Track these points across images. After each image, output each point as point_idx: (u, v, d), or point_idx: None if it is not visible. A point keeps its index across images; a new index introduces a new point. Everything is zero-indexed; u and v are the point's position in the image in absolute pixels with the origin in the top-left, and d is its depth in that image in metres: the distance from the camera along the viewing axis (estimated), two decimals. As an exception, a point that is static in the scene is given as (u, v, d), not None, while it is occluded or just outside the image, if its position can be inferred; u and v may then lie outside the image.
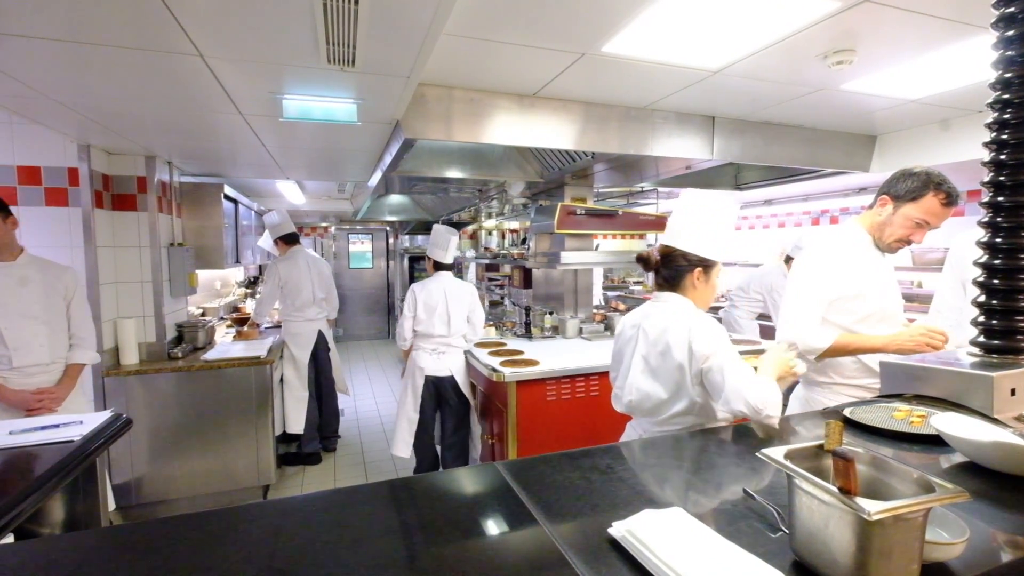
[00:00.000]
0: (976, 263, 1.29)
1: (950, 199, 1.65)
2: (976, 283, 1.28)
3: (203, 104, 2.18)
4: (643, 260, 1.66)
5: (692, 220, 1.59)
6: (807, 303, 1.78)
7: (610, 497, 1.05)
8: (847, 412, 1.49)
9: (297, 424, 3.92)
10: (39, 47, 1.57)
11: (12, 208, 2.71)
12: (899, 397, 1.46)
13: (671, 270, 1.60)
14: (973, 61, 2.14)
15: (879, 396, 1.56)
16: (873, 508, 0.69)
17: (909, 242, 1.75)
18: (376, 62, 1.70)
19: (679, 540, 0.82)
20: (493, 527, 0.96)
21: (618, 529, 0.87)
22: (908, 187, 1.68)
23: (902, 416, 1.44)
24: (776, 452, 0.84)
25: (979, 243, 1.29)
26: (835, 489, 0.73)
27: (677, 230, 1.61)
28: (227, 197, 3.98)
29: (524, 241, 5.91)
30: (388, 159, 3.01)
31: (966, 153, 2.98)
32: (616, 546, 0.86)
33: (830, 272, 1.78)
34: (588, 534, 0.91)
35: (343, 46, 1.53)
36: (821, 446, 0.87)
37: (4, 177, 2.73)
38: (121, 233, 3.13)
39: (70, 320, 2.44)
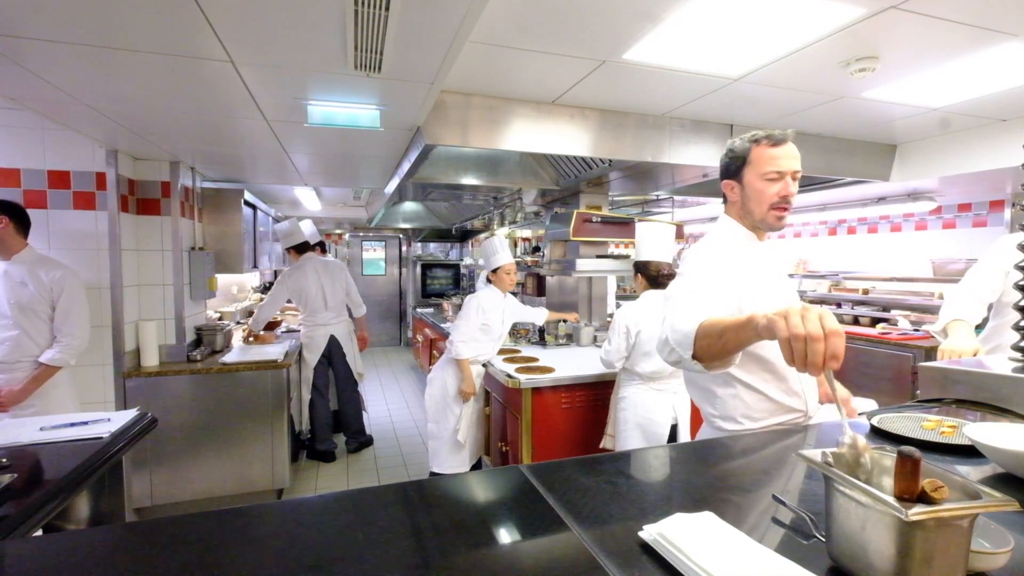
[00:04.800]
0: (1018, 266, 1.27)
1: (772, 138, 1.44)
2: (1018, 286, 1.26)
3: (229, 110, 2.23)
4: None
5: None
6: (689, 297, 1.36)
7: (638, 501, 1.04)
8: (875, 421, 1.47)
9: (303, 423, 4.04)
10: (74, 52, 1.62)
11: (41, 211, 2.81)
12: (939, 402, 1.43)
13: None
14: (998, 69, 2.12)
15: (918, 401, 1.53)
16: (911, 509, 0.67)
17: (785, 204, 1.45)
18: (402, 68, 1.73)
19: (713, 544, 0.81)
20: (523, 529, 0.96)
21: (649, 532, 0.86)
22: (737, 157, 1.47)
23: (932, 427, 1.41)
24: (813, 454, 0.83)
25: (1021, 246, 1.26)
26: (873, 490, 0.71)
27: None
28: (247, 203, 4.05)
29: (537, 249, 5.92)
30: (406, 165, 3.05)
31: (990, 163, 2.94)
32: (647, 550, 0.85)
33: (712, 269, 1.45)
34: (618, 537, 0.90)
35: (371, 52, 1.56)
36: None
37: (35, 181, 2.80)
38: (145, 237, 3.19)
39: (54, 320, 2.44)
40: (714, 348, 1.20)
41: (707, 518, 0.89)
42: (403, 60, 1.66)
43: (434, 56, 1.64)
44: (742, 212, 1.52)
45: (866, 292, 4.89)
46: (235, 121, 2.40)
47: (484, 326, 3.19)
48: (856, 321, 4.72)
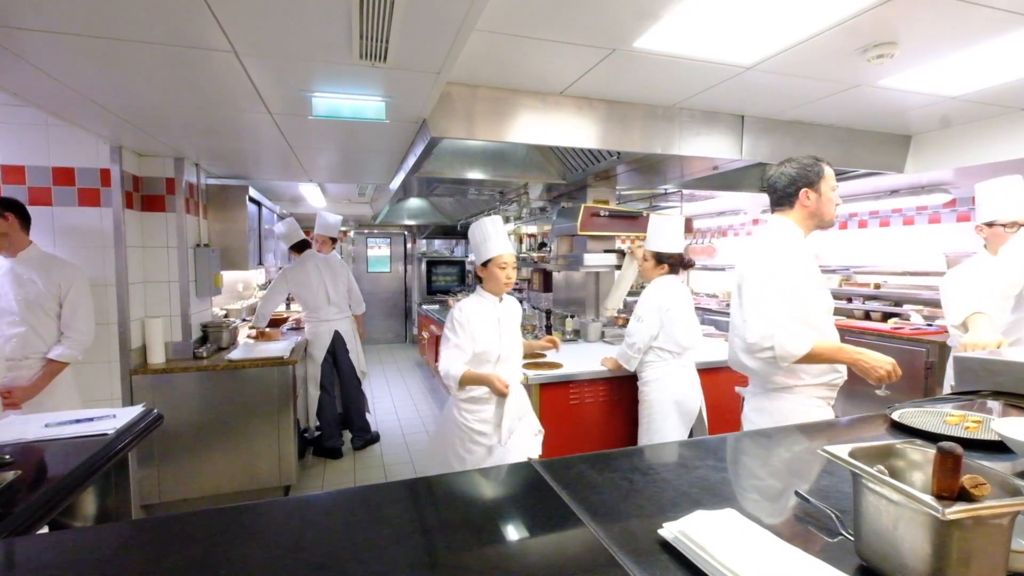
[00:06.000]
0: None
1: (829, 164, 1.89)
2: None
3: (233, 103, 2.21)
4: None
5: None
6: (776, 304, 1.72)
7: (655, 498, 1.01)
8: (896, 416, 1.43)
9: (310, 419, 4.05)
10: (75, 44, 1.60)
11: (47, 208, 2.80)
12: (976, 394, 1.39)
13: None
14: (1020, 55, 2.06)
15: (953, 393, 1.49)
16: (949, 508, 0.64)
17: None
18: (408, 57, 1.69)
19: (736, 542, 0.78)
20: (537, 527, 0.93)
21: (670, 530, 0.83)
22: (814, 172, 1.84)
23: (956, 421, 1.37)
24: (840, 450, 0.80)
25: None
26: (907, 488, 0.68)
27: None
28: (251, 199, 4.03)
29: (542, 245, 5.88)
30: (412, 160, 3.01)
31: (1009, 153, 2.87)
32: (667, 547, 0.82)
33: (790, 268, 1.78)
34: (637, 535, 0.87)
35: (376, 40, 1.53)
36: (888, 446, 0.82)
37: (40, 178, 2.79)
38: (150, 234, 3.17)
39: (61, 317, 2.46)
40: (812, 362, 1.74)
41: (729, 515, 0.86)
42: (409, 49, 1.63)
43: (441, 44, 1.61)
44: (810, 214, 1.85)
45: (878, 287, 4.82)
46: (239, 115, 2.38)
47: (472, 338, 2.21)
48: (867, 316, 4.65)
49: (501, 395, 2.19)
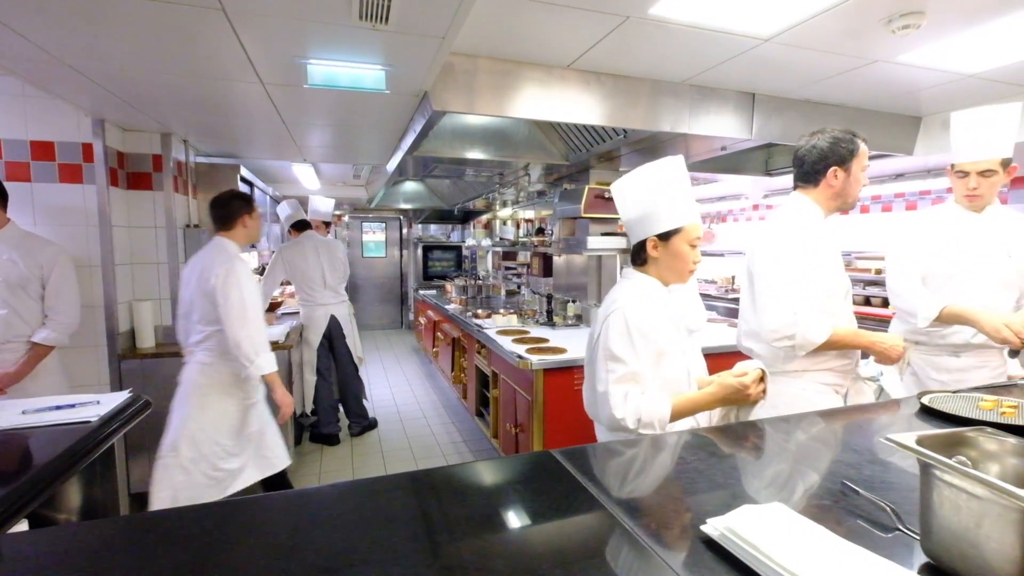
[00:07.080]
0: None
1: (864, 140, 1.77)
2: None
3: (222, 71, 2.07)
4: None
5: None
6: (793, 290, 1.64)
7: (688, 489, 0.93)
8: (925, 400, 1.37)
9: (305, 405, 3.95)
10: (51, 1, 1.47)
11: (25, 184, 2.66)
12: None
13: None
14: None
15: None
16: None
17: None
18: (411, 19, 1.58)
19: (790, 539, 0.71)
20: (567, 525, 0.85)
21: (715, 527, 0.75)
22: (847, 148, 1.72)
23: (990, 407, 1.31)
24: (906, 439, 0.72)
25: None
26: (1002, 484, 0.60)
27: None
28: (243, 179, 3.89)
29: (540, 231, 5.78)
30: (411, 137, 2.89)
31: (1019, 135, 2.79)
32: (711, 545, 0.75)
33: (803, 250, 1.68)
34: (676, 531, 0.79)
35: (378, -3, 1.41)
36: (957, 433, 0.74)
37: (17, 152, 2.64)
38: (136, 213, 3.04)
39: (44, 298, 2.35)
40: (830, 349, 1.66)
41: (778, 509, 0.78)
42: (413, 8, 1.51)
43: (447, 3, 1.49)
44: (835, 195, 1.74)
45: (879, 272, 4.78)
46: (229, 85, 2.24)
47: (658, 354, 1.45)
48: (867, 302, 4.62)
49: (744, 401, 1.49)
